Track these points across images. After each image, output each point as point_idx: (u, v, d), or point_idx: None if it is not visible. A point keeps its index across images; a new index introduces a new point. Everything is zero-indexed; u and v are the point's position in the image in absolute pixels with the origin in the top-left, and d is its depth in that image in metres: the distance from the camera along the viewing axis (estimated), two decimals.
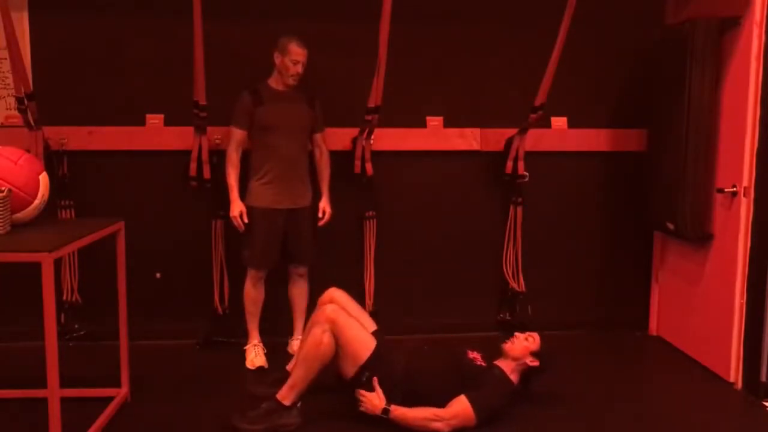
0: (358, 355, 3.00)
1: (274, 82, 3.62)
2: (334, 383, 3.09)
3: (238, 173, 3.64)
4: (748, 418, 3.25)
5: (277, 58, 3.56)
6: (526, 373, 3.13)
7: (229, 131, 3.66)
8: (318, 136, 3.77)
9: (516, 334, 3.19)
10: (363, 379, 2.98)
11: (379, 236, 4.11)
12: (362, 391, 2.96)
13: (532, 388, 3.19)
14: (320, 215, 3.74)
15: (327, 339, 2.93)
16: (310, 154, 3.78)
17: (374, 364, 2.99)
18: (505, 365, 3.12)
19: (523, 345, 3.12)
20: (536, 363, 3.11)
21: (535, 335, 3.17)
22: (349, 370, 3.01)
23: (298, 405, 2.96)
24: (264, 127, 3.58)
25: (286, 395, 2.94)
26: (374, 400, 2.94)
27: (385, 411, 2.91)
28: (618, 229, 4.32)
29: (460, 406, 2.90)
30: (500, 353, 3.16)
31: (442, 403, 2.93)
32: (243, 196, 3.65)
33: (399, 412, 2.90)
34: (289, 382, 2.97)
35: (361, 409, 2.95)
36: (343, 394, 3.07)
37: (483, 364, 3.11)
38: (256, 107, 3.57)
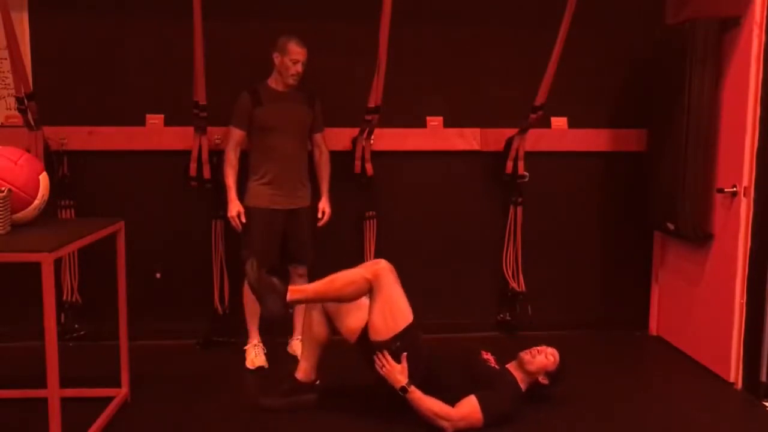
0: (395, 321, 2.97)
1: (273, 83, 3.62)
2: (350, 360, 3.12)
3: (236, 173, 3.63)
4: (748, 418, 3.25)
5: (277, 58, 3.55)
6: (533, 386, 3.12)
7: (228, 131, 3.66)
8: (318, 136, 3.77)
9: (538, 348, 3.12)
10: (393, 347, 2.95)
11: (379, 236, 4.11)
12: (388, 357, 2.95)
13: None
14: (319, 216, 3.74)
15: (361, 284, 2.96)
16: (309, 154, 3.78)
17: (407, 338, 2.97)
18: (516, 372, 3.11)
19: (542, 363, 3.08)
20: (546, 382, 3.11)
21: (556, 354, 3.12)
22: (382, 332, 2.96)
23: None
24: (263, 128, 3.58)
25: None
26: (397, 372, 2.93)
27: (404, 389, 2.91)
28: (618, 229, 4.31)
29: (469, 407, 2.89)
30: (513, 358, 3.16)
31: (453, 397, 2.93)
32: (242, 196, 3.65)
33: (416, 395, 2.91)
34: (302, 287, 3.12)
35: (380, 371, 2.95)
36: (360, 371, 3.08)
37: (496, 366, 3.11)
38: (255, 108, 3.56)
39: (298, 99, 3.64)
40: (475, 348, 3.24)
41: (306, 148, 3.73)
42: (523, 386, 3.10)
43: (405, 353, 2.95)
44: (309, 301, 3.08)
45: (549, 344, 3.18)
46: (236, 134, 3.62)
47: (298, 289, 3.06)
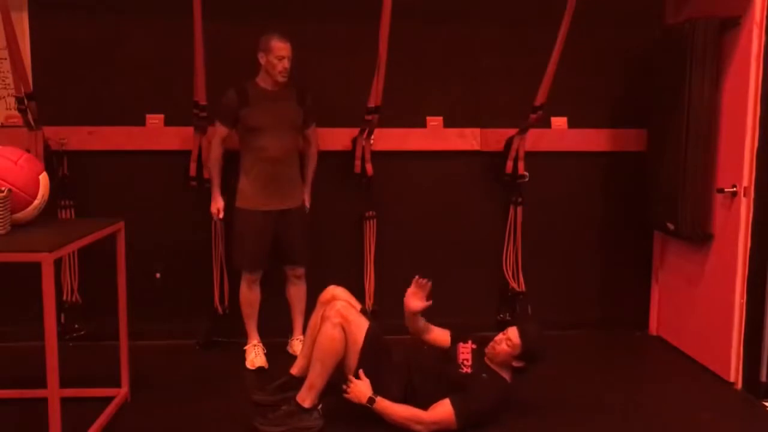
0: (356, 346, 2.96)
1: (262, 81, 3.56)
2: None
3: (220, 168, 3.66)
4: (748, 418, 3.26)
5: (262, 58, 3.50)
6: (515, 372, 3.08)
7: (214, 126, 3.64)
8: (308, 132, 3.72)
9: (496, 338, 3.04)
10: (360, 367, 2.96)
11: (379, 236, 4.11)
12: (351, 377, 2.95)
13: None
14: None
15: (338, 334, 2.92)
16: (301, 152, 3.76)
17: (368, 351, 2.97)
18: (493, 366, 3.07)
19: (504, 351, 3.00)
20: (521, 365, 3.04)
21: (514, 338, 2.97)
22: (353, 366, 2.98)
23: (319, 407, 2.95)
24: (251, 128, 3.53)
25: (305, 397, 2.92)
26: (361, 387, 2.92)
27: (371, 400, 2.89)
28: (618, 229, 4.31)
29: (443, 410, 2.88)
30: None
31: (431, 402, 2.92)
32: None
33: (384, 404, 2.90)
34: (307, 383, 2.95)
35: (347, 396, 2.93)
36: None
37: (468, 371, 3.06)
38: (242, 108, 3.52)
39: (288, 96, 3.59)
40: (453, 347, 3.18)
41: (297, 147, 3.70)
42: (507, 375, 3.05)
43: (361, 370, 2.94)
44: (320, 384, 2.93)
45: (530, 339, 3.03)
46: (221, 130, 3.61)
47: (305, 390, 2.94)
